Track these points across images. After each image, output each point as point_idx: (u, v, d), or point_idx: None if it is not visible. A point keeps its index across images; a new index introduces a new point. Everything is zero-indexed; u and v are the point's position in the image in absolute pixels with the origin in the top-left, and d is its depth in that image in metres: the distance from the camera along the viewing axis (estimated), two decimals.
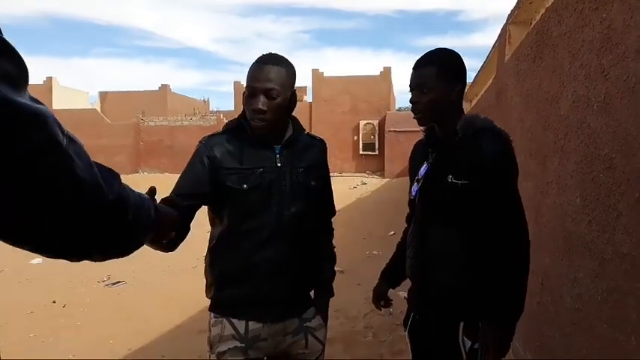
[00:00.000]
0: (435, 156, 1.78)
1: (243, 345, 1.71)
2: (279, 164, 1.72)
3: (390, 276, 2.11)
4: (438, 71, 1.70)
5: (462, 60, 1.78)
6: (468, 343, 1.66)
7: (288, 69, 1.71)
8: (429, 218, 1.78)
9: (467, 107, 7.59)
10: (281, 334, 1.76)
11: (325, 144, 1.95)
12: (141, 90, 32.50)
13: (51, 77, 28.41)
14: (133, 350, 4.02)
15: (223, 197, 1.70)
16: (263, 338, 1.73)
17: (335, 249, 2.02)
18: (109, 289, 5.81)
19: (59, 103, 28.17)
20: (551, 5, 2.50)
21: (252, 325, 1.72)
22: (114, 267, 6.65)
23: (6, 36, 0.61)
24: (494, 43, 4.47)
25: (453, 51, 1.78)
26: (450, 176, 1.66)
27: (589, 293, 1.87)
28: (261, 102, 1.64)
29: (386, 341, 4.09)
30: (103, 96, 32.99)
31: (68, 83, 32.85)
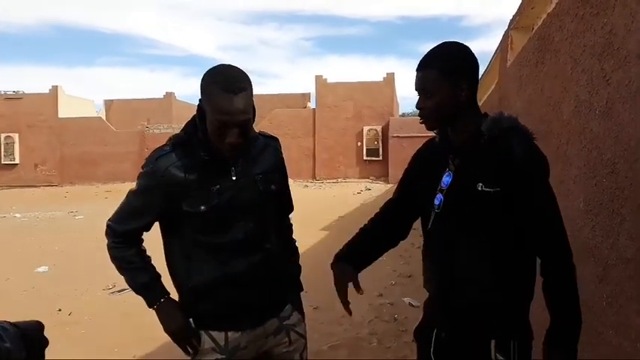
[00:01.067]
0: (458, 163, 1.62)
1: (224, 357, 1.69)
2: (234, 177, 1.65)
3: (353, 260, 1.80)
4: (440, 73, 1.56)
5: (467, 53, 1.61)
6: None
7: (249, 86, 1.58)
8: (454, 232, 1.63)
9: None
10: (262, 338, 1.75)
11: (279, 141, 1.88)
12: (146, 98, 32.68)
13: (57, 86, 28.55)
14: (137, 358, 4.03)
15: (181, 220, 1.65)
16: (243, 347, 1.72)
17: (296, 242, 2.00)
18: (115, 297, 5.82)
19: (65, 111, 28.32)
20: (552, 11, 2.50)
21: (231, 335, 1.70)
22: (118, 275, 6.66)
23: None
24: (497, 49, 4.48)
25: (457, 45, 1.61)
26: (481, 184, 1.52)
27: (593, 299, 1.87)
28: (237, 135, 1.55)
29: (391, 347, 4.08)
30: (109, 104, 33.18)
31: (74, 92, 33.02)
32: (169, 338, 1.85)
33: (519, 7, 3.48)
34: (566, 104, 2.18)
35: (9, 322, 0.94)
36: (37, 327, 1.02)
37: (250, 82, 1.60)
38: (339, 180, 24.59)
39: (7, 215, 13.80)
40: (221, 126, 1.54)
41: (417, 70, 1.62)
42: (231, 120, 1.52)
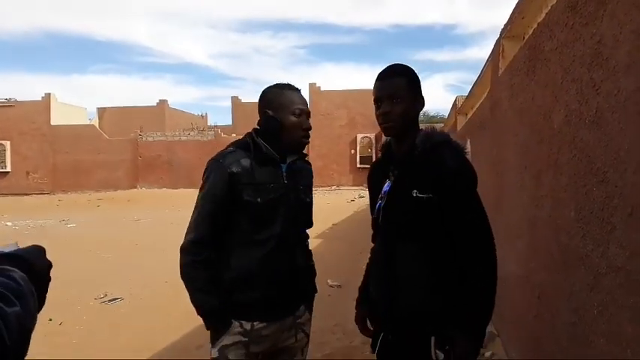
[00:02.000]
0: (397, 173, 1.80)
1: (247, 339, 1.89)
2: (285, 181, 1.95)
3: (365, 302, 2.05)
4: (409, 82, 1.77)
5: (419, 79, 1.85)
6: (441, 356, 1.70)
7: None
8: (393, 236, 1.78)
9: (462, 120, 7.63)
10: (279, 332, 1.97)
11: (311, 167, 2.22)
12: (139, 105, 32.63)
13: (49, 94, 28.52)
14: None
15: (238, 209, 1.88)
16: (265, 335, 1.92)
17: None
18: (106, 306, 5.78)
19: (58, 119, 28.24)
20: (542, 20, 2.53)
21: (257, 324, 1.91)
22: (111, 284, 6.63)
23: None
24: (489, 57, 4.51)
25: (412, 68, 1.84)
26: (415, 191, 1.68)
27: (585, 307, 1.87)
28: (310, 122, 2.00)
29: None
30: (102, 112, 33.13)
31: (67, 99, 32.94)
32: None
33: (510, 16, 3.51)
34: (557, 113, 2.20)
35: (14, 261, 0.84)
36: (41, 258, 0.93)
37: None
38: (333, 188, 24.61)
39: None
40: (300, 113, 1.95)
41: (385, 78, 1.79)
42: (305, 108, 1.98)
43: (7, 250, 0.88)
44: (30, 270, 0.84)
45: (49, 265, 0.94)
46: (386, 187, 1.83)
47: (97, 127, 30.00)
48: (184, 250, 1.89)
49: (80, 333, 4.83)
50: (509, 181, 3.36)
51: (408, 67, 1.84)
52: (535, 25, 2.87)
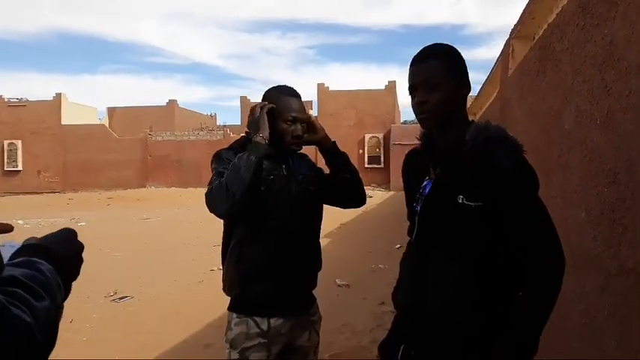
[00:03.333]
0: (439, 172, 1.54)
1: (266, 341, 1.90)
2: (285, 173, 1.98)
3: None
4: (446, 64, 1.49)
5: (463, 57, 1.57)
6: None
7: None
8: (429, 246, 1.54)
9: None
10: (295, 330, 1.98)
11: (308, 156, 2.19)
12: (149, 105, 32.80)
13: (60, 93, 28.73)
14: None
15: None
16: (282, 333, 1.93)
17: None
18: (116, 305, 5.82)
19: (68, 118, 28.45)
20: (553, 21, 2.52)
21: (273, 321, 1.92)
22: (120, 282, 6.67)
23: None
24: (498, 58, 4.50)
25: (453, 46, 1.57)
26: (461, 197, 1.42)
27: (595, 308, 1.87)
28: (301, 129, 1.96)
29: None
30: (112, 111, 33.32)
31: (77, 99, 33.19)
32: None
33: (520, 16, 3.50)
34: (567, 114, 2.19)
35: (41, 252, 0.83)
36: (70, 242, 0.93)
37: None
38: None
39: (10, 222, 13.82)
40: (293, 121, 1.94)
41: (418, 62, 1.52)
42: (299, 116, 1.95)
43: (17, 245, 0.88)
44: (56, 259, 0.84)
45: (81, 247, 0.95)
46: (426, 186, 1.58)
47: (107, 126, 30.20)
48: (209, 190, 1.83)
49: (90, 330, 4.87)
50: None
51: (448, 46, 1.55)
52: (545, 26, 2.86)
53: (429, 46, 1.55)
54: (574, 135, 2.10)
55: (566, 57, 2.23)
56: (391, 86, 25.80)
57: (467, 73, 1.54)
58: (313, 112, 27.50)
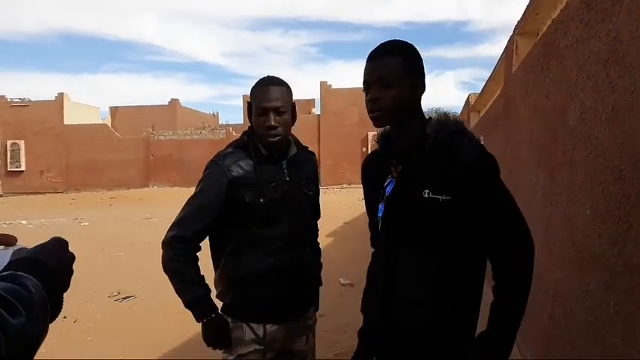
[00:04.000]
0: (401, 169, 1.51)
1: (262, 347, 1.87)
2: (287, 178, 1.91)
3: None
4: (404, 63, 1.46)
5: (420, 55, 1.54)
6: None
7: (287, 88, 1.91)
8: (396, 245, 1.50)
9: (475, 118, 7.58)
10: (291, 335, 1.94)
11: (316, 157, 2.14)
12: (151, 105, 32.83)
13: (62, 93, 28.79)
14: None
15: (243, 210, 1.85)
16: (278, 339, 1.90)
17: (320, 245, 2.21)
18: (120, 304, 5.83)
19: (70, 118, 28.50)
20: (557, 17, 2.50)
21: (269, 327, 1.88)
22: (124, 282, 6.69)
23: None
24: (502, 54, 4.48)
25: (411, 44, 1.54)
26: (427, 191, 1.40)
27: (601, 306, 1.85)
28: (273, 119, 1.82)
29: None
30: (114, 111, 33.36)
31: (79, 99, 33.25)
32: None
33: (524, 12, 3.48)
34: (572, 110, 2.18)
35: (31, 265, 0.82)
36: (61, 253, 0.91)
37: (288, 86, 1.93)
38: (344, 186, 24.59)
39: (13, 222, 13.86)
40: (262, 112, 1.83)
41: (375, 57, 1.49)
42: (269, 105, 1.82)
43: (7, 252, 0.86)
44: (46, 272, 0.82)
45: (72, 258, 0.92)
46: (389, 185, 1.55)
47: (110, 126, 30.23)
48: (166, 244, 1.85)
49: (94, 330, 4.87)
50: (522, 178, 3.33)
51: (407, 44, 1.52)
52: (549, 22, 2.84)
53: (387, 42, 1.53)
54: (579, 131, 2.08)
55: (570, 53, 2.22)
56: None
57: (423, 74, 1.53)
58: (316, 111, 27.50)
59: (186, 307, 1.87)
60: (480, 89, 6.91)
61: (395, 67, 1.45)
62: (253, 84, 1.92)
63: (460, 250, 1.43)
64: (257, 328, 1.87)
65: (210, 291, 1.89)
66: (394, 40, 1.53)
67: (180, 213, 1.88)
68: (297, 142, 2.01)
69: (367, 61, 1.50)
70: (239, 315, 1.88)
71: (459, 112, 12.09)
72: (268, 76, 1.93)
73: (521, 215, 1.45)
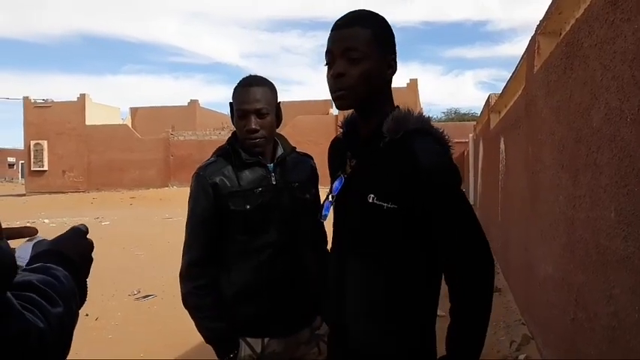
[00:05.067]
0: (354, 164, 1.36)
1: None
2: (274, 182, 1.81)
3: None
4: (373, 35, 1.26)
5: (393, 32, 1.35)
6: None
7: (270, 88, 1.82)
8: (344, 249, 1.37)
9: (495, 119, 7.50)
10: (294, 345, 1.84)
11: (313, 159, 2.02)
12: (170, 105, 33.12)
13: (84, 94, 29.18)
14: None
15: (228, 220, 1.78)
16: (278, 352, 1.81)
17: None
18: (140, 303, 5.89)
19: (92, 119, 28.89)
20: (581, 16, 2.46)
21: (267, 341, 1.79)
22: (144, 281, 6.76)
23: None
24: (523, 54, 4.43)
25: (385, 18, 1.35)
26: (372, 195, 1.25)
27: (625, 311, 1.82)
28: (254, 122, 1.74)
29: None
30: (134, 112, 33.72)
31: (101, 100, 33.74)
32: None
33: (547, 12, 3.43)
34: (596, 111, 2.14)
35: (56, 257, 0.83)
36: (81, 242, 0.92)
37: (272, 85, 1.83)
38: None
39: (36, 221, 14.11)
40: (242, 115, 1.75)
41: (342, 25, 1.28)
42: (248, 107, 1.73)
43: (29, 244, 0.88)
44: (70, 263, 0.84)
45: (91, 245, 0.94)
46: (338, 182, 1.39)
47: (130, 126, 30.59)
48: (184, 276, 1.81)
49: (115, 328, 4.94)
50: (544, 180, 3.29)
51: (378, 15, 1.33)
52: (573, 21, 2.80)
53: (356, 10, 1.32)
54: (603, 133, 2.05)
55: (594, 53, 2.18)
56: (413, 84, 25.59)
57: (395, 52, 1.32)
58: (333, 111, 27.47)
59: (207, 343, 1.83)
60: (500, 89, 6.84)
61: (365, 38, 1.25)
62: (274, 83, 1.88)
63: (410, 264, 1.28)
64: (254, 342, 1.78)
65: (230, 325, 1.81)
66: (364, 10, 1.32)
67: (185, 237, 1.84)
68: (285, 142, 1.92)
69: (332, 30, 1.29)
70: (235, 330, 1.80)
71: (479, 113, 11.98)
72: (250, 76, 1.84)
73: (481, 231, 1.28)
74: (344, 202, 1.38)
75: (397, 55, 1.34)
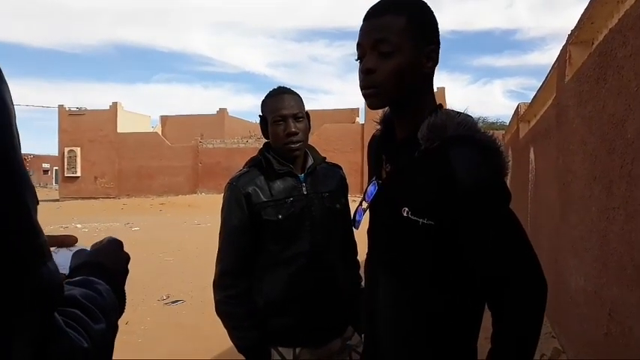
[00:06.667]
0: (389, 169, 1.24)
1: None
2: (305, 192, 1.83)
3: None
4: (410, 24, 1.12)
5: (434, 14, 1.19)
6: None
7: (299, 96, 1.87)
8: (377, 259, 1.28)
9: (524, 128, 7.40)
10: (326, 356, 1.83)
11: (342, 169, 2.05)
12: (200, 114, 33.62)
13: (116, 102, 29.86)
14: None
15: (261, 230, 1.80)
16: None
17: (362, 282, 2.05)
18: (169, 308, 5.98)
19: (123, 126, 29.52)
20: (614, 26, 2.43)
21: (299, 351, 1.78)
22: (173, 286, 6.85)
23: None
24: (554, 64, 4.37)
25: (425, 2, 1.19)
26: (407, 209, 1.12)
27: None
28: (293, 125, 1.77)
29: None
30: (164, 120, 34.33)
31: (132, 108, 34.46)
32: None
33: (579, 21, 3.39)
34: (631, 122, 2.11)
35: (97, 269, 0.83)
36: (118, 254, 0.93)
37: (299, 94, 1.87)
38: None
39: (69, 226, 14.45)
40: (279, 120, 1.77)
41: (373, 15, 1.15)
42: (286, 112, 1.77)
43: (69, 253, 0.89)
44: (111, 277, 0.85)
45: (127, 259, 0.95)
46: (372, 187, 1.28)
47: (160, 134, 31.13)
48: (216, 285, 1.83)
49: (145, 333, 5.02)
50: (576, 191, 3.24)
51: (414, 0, 1.18)
52: (606, 31, 2.77)
53: None
54: (638, 144, 2.02)
55: (629, 63, 2.15)
56: (440, 93, 25.45)
57: (437, 42, 1.17)
58: (360, 120, 27.48)
59: (238, 352, 1.83)
60: (529, 98, 6.75)
61: (398, 27, 1.10)
62: (300, 92, 1.90)
63: (443, 286, 1.15)
64: (286, 352, 1.78)
65: (264, 332, 1.81)
66: None
67: (218, 246, 1.86)
68: (315, 153, 1.94)
69: (364, 20, 1.17)
70: (267, 340, 1.80)
71: (508, 122, 11.81)
72: (279, 87, 1.89)
73: (531, 252, 1.12)
74: (377, 211, 1.28)
75: (438, 43, 1.19)
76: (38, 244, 0.54)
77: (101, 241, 0.95)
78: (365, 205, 1.31)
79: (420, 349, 1.20)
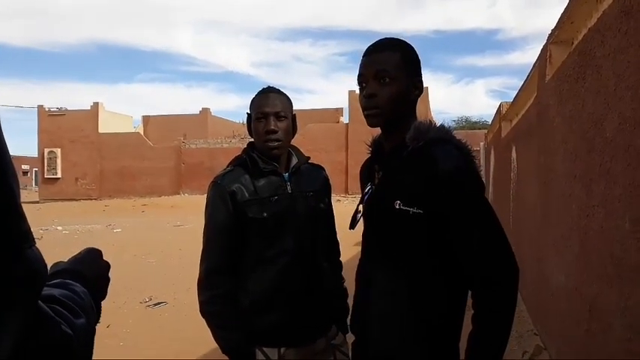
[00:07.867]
0: (381, 175, 1.46)
1: None
2: (290, 191, 1.84)
3: None
4: (402, 59, 1.40)
5: (419, 58, 1.49)
6: None
7: (287, 98, 1.89)
8: (372, 258, 1.46)
9: (506, 127, 7.47)
10: (310, 355, 1.83)
11: (326, 171, 2.07)
12: (182, 114, 33.37)
13: (97, 102, 29.50)
14: None
15: (246, 228, 1.79)
16: None
17: (345, 283, 2.07)
18: (151, 310, 5.92)
19: (105, 127, 29.19)
20: (593, 25, 2.46)
21: (284, 351, 1.78)
22: (155, 288, 6.79)
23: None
24: (535, 63, 4.41)
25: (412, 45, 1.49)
26: (398, 202, 1.32)
27: None
28: (273, 123, 1.78)
29: None
30: (146, 120, 34.01)
31: (114, 108, 34.10)
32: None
33: (559, 20, 3.42)
34: (609, 121, 2.13)
35: (74, 275, 0.85)
36: (97, 262, 0.93)
37: (289, 97, 1.90)
38: None
39: (49, 228, 14.25)
40: (260, 117, 1.80)
41: (372, 52, 1.42)
42: (268, 110, 1.79)
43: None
44: (88, 282, 0.85)
45: (107, 267, 0.95)
46: (367, 192, 1.50)
47: (142, 134, 30.83)
48: (202, 284, 1.82)
49: (127, 336, 4.96)
50: (557, 190, 3.27)
51: (406, 42, 1.47)
52: (585, 31, 2.79)
53: (385, 38, 1.48)
54: (617, 142, 2.03)
55: (607, 63, 2.17)
56: (423, 92, 25.65)
57: (421, 75, 1.47)
58: (344, 120, 27.53)
59: (222, 353, 1.81)
60: (511, 97, 6.82)
61: (394, 62, 1.38)
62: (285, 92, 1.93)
63: (435, 271, 1.34)
64: (271, 352, 1.78)
65: (249, 331, 1.81)
66: (394, 37, 1.49)
67: (202, 245, 1.85)
68: (299, 153, 1.96)
69: (364, 55, 1.44)
70: (252, 340, 1.79)
71: (490, 122, 11.93)
72: (268, 86, 1.91)
73: (503, 237, 1.32)
74: (372, 211, 1.46)
75: (421, 75, 1.48)
76: (24, 229, 0.56)
77: (79, 253, 0.94)
78: (361, 208, 1.51)
79: (410, 334, 1.35)
